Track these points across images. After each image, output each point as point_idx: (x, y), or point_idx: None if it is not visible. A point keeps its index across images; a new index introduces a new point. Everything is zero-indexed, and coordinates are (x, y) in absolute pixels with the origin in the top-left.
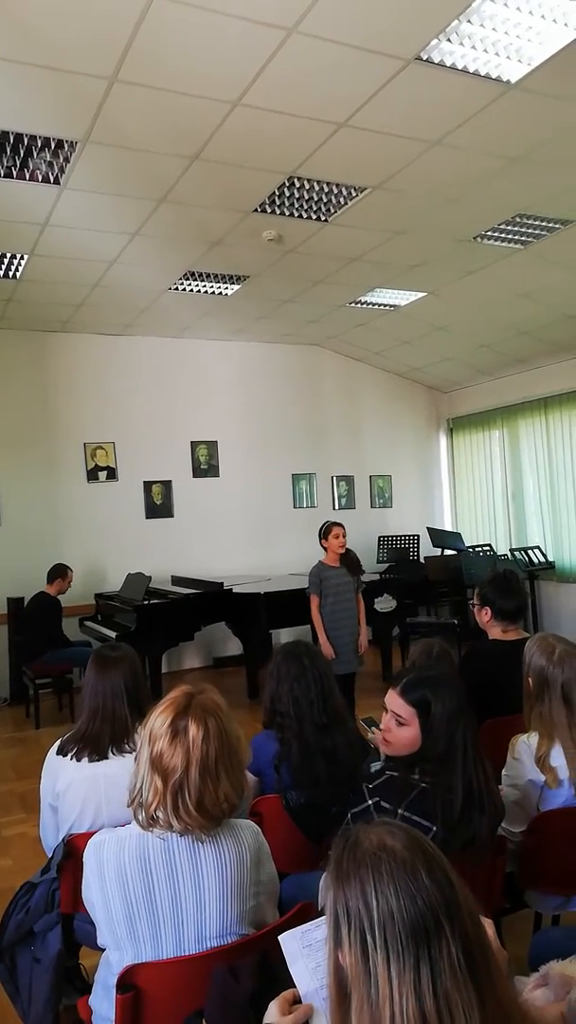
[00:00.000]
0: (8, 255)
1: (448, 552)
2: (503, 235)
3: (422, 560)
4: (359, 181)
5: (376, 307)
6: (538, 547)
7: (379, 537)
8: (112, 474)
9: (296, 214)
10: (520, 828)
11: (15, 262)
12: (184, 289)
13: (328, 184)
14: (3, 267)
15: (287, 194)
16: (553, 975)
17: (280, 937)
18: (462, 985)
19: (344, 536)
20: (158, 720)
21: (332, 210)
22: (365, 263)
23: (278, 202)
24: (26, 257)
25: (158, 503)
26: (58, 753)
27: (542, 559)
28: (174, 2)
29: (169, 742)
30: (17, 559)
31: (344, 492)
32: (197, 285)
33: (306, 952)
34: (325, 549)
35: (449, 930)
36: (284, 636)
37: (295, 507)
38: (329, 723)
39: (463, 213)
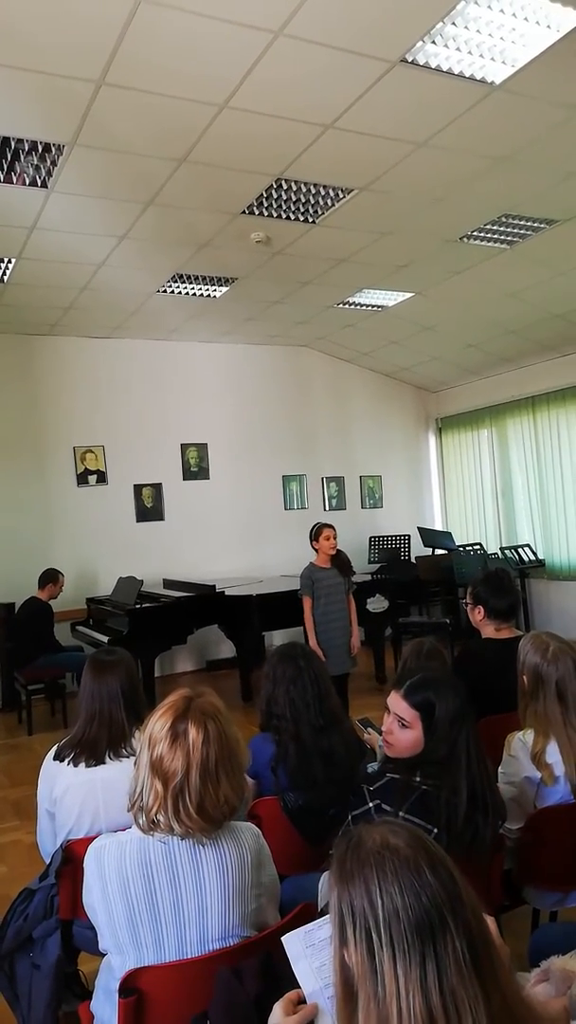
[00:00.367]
0: None
1: (439, 552)
2: (489, 235)
3: (413, 560)
4: (346, 183)
5: (364, 308)
6: (528, 545)
7: (370, 537)
8: (102, 478)
9: (284, 216)
10: (517, 825)
11: (2, 266)
12: (173, 291)
13: (315, 186)
14: None
15: (275, 196)
16: (554, 970)
17: (283, 938)
18: (467, 981)
19: (335, 537)
20: (158, 724)
21: (319, 212)
22: (353, 264)
23: (266, 204)
24: (13, 261)
25: (149, 506)
26: (55, 758)
27: (532, 557)
28: (161, 5)
29: (169, 746)
30: (7, 564)
31: (335, 493)
32: (185, 287)
33: (309, 952)
34: (316, 551)
35: (453, 926)
36: (277, 638)
37: (286, 509)
38: (326, 724)
39: (449, 214)
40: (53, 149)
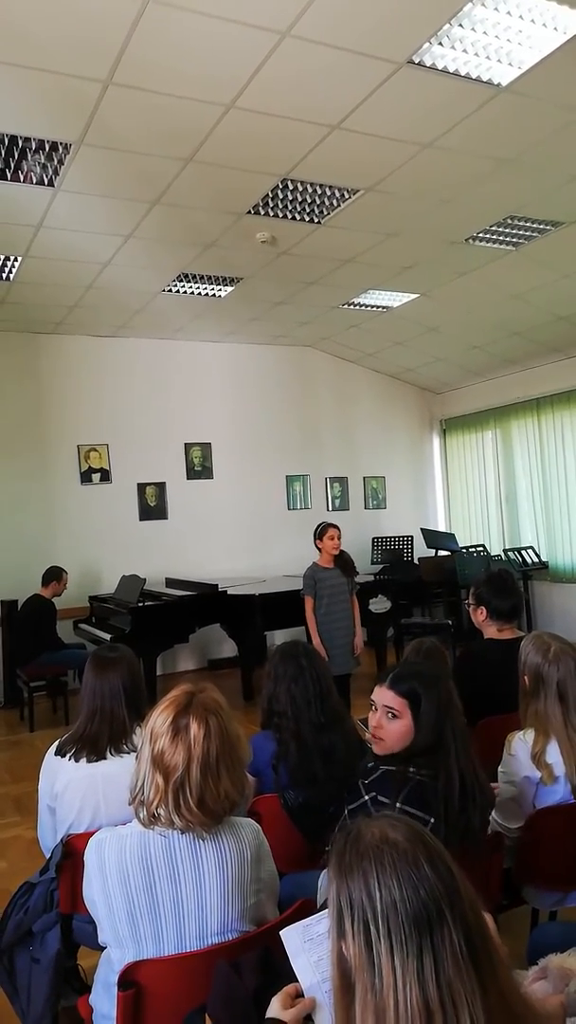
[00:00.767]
0: (2, 257)
1: (442, 553)
2: (494, 237)
3: (416, 561)
4: (352, 183)
5: (369, 308)
6: (531, 547)
7: (373, 538)
8: (106, 476)
9: (289, 216)
10: (516, 825)
11: (9, 264)
12: (178, 291)
13: (321, 186)
14: None
15: (280, 196)
16: (552, 968)
17: (282, 932)
18: (464, 974)
19: (339, 537)
20: (159, 718)
21: (325, 212)
22: (358, 265)
23: (271, 204)
24: (20, 259)
25: (152, 505)
26: (56, 754)
27: (535, 559)
28: (169, 5)
29: (170, 740)
30: (11, 561)
31: (338, 493)
32: (190, 287)
33: (308, 947)
34: (320, 550)
35: (451, 919)
36: (278, 638)
37: (289, 509)
38: (327, 723)
39: (455, 215)
40: (60, 148)
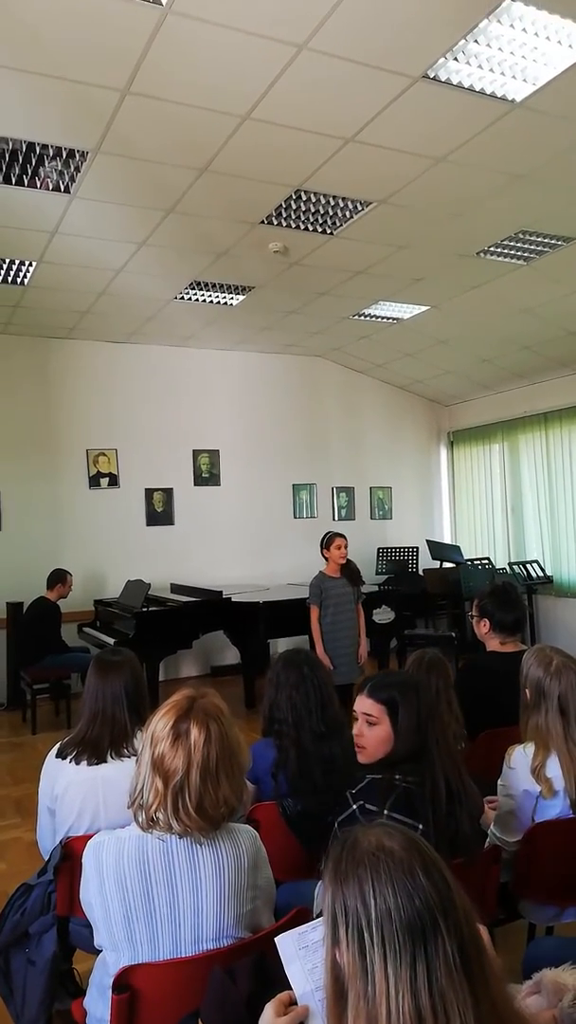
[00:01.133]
0: (17, 262)
1: (447, 565)
2: (506, 251)
3: (421, 572)
4: (365, 195)
5: (379, 320)
6: (536, 561)
7: (378, 549)
8: (114, 481)
9: (302, 227)
10: (515, 839)
11: (23, 269)
12: (190, 299)
13: (334, 198)
14: (11, 273)
15: (294, 207)
16: (546, 982)
17: (277, 939)
18: (457, 984)
19: (346, 547)
20: (160, 722)
21: (338, 223)
22: (369, 276)
23: (284, 214)
24: (34, 264)
25: (159, 511)
26: (57, 756)
27: (540, 573)
28: (187, 17)
29: (171, 744)
30: (18, 564)
31: (344, 503)
32: (202, 295)
33: (302, 954)
34: (326, 559)
35: (445, 928)
36: (282, 646)
37: (295, 517)
38: (327, 732)
39: (467, 229)
40: (77, 155)
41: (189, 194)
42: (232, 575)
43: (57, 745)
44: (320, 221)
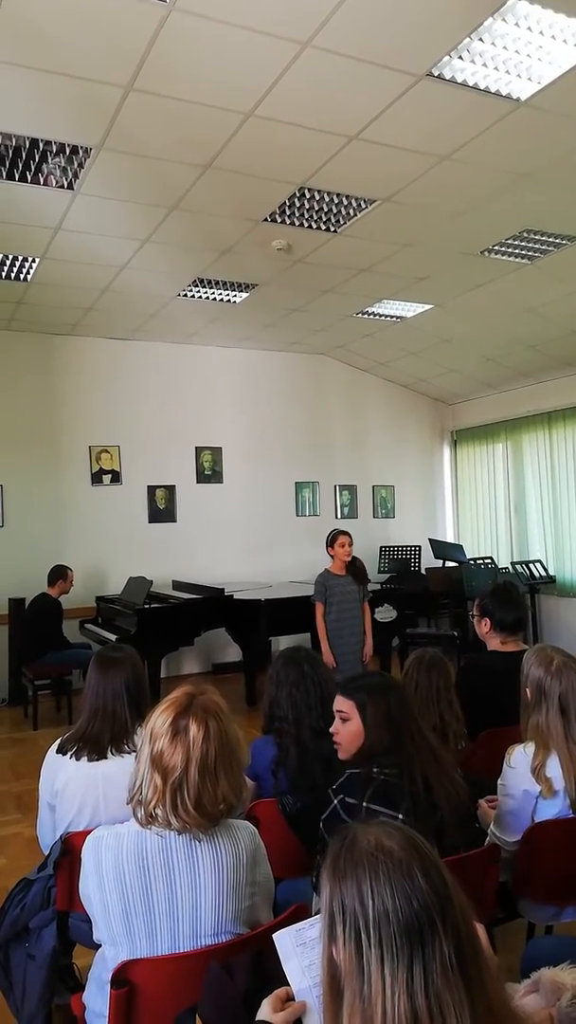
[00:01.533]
0: (20, 258)
1: (449, 564)
2: (510, 250)
3: (423, 571)
4: (369, 193)
5: (383, 318)
6: (539, 561)
7: (381, 547)
8: (116, 478)
9: (306, 224)
10: (514, 838)
11: (27, 265)
12: (193, 296)
13: (338, 195)
14: (15, 270)
15: (297, 204)
16: (544, 981)
17: (274, 935)
18: (453, 985)
19: (351, 545)
20: (159, 719)
21: (341, 221)
22: (373, 274)
23: (288, 212)
24: (38, 260)
25: (161, 508)
26: (58, 752)
27: (543, 573)
28: (191, 14)
29: (170, 741)
30: (20, 560)
31: (347, 501)
32: (206, 292)
33: (299, 950)
34: (332, 557)
35: (442, 930)
36: (283, 643)
37: (297, 515)
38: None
39: (471, 227)
40: (80, 152)
41: (193, 191)
42: (234, 572)
43: (58, 741)
44: (324, 219)
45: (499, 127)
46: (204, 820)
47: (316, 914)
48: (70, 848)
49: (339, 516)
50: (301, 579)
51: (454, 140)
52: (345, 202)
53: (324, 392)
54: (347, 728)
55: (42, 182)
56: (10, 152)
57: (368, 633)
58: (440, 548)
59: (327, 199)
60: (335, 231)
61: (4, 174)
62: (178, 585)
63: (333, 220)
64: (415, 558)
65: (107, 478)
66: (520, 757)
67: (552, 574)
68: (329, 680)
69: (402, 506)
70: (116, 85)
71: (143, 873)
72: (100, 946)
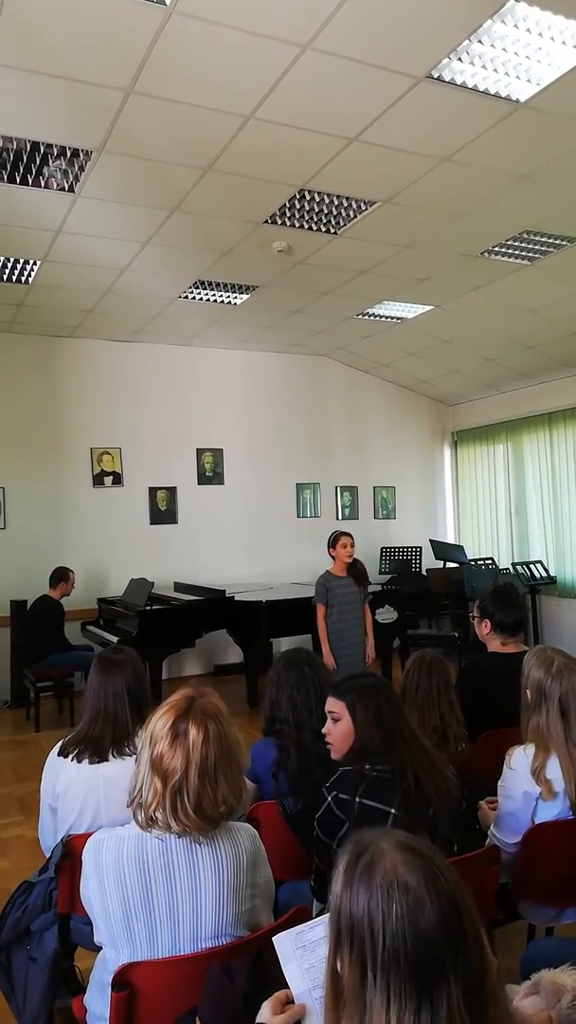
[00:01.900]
0: (21, 260)
1: (450, 565)
2: (510, 251)
3: (424, 572)
4: (369, 195)
5: (383, 319)
6: (540, 562)
7: (381, 548)
8: (118, 479)
9: (306, 226)
10: (514, 839)
11: (28, 268)
12: (194, 297)
13: (338, 197)
14: (16, 272)
15: (298, 206)
16: (544, 983)
17: (274, 938)
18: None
19: (352, 546)
20: (159, 722)
21: (342, 223)
22: (373, 276)
23: (288, 214)
24: (39, 263)
25: (163, 509)
26: (59, 754)
27: (544, 574)
28: (191, 17)
29: (169, 744)
30: (21, 562)
31: (348, 503)
32: (206, 294)
33: (300, 953)
34: (333, 558)
35: (453, 974)
36: (285, 645)
37: (299, 516)
38: None
39: (471, 228)
40: (81, 155)
41: (193, 193)
42: (235, 574)
43: (59, 743)
44: (324, 220)
45: (499, 128)
46: (204, 823)
47: (317, 916)
48: (71, 851)
49: (340, 517)
50: (302, 580)
51: (454, 142)
52: (345, 204)
53: (325, 393)
54: (338, 728)
55: (43, 185)
56: (11, 155)
57: (369, 635)
58: (441, 549)
59: (327, 201)
60: (335, 233)
61: (5, 177)
62: (179, 587)
63: (333, 222)
64: (416, 559)
65: (108, 480)
66: (520, 759)
67: (553, 575)
68: (329, 682)
69: (403, 507)
70: (116, 88)
71: (143, 876)
72: (101, 949)
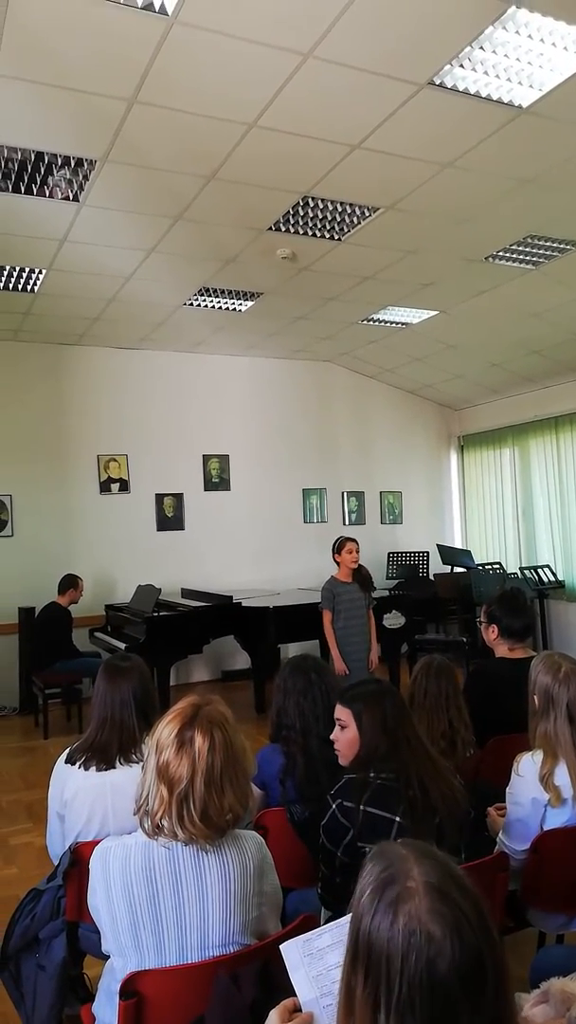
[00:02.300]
0: (27, 269)
1: (458, 569)
2: (514, 256)
3: (431, 577)
4: (372, 201)
5: (388, 325)
6: (548, 566)
7: (389, 553)
8: (124, 486)
9: (310, 233)
10: (523, 846)
11: (33, 276)
12: (199, 305)
13: (342, 204)
14: (22, 281)
15: (301, 213)
16: (554, 991)
17: (282, 946)
18: None
19: (357, 552)
20: (165, 730)
21: (345, 229)
22: (377, 281)
23: (292, 221)
24: (44, 272)
25: (169, 516)
26: (66, 762)
27: (552, 578)
28: (193, 27)
29: (175, 752)
30: (29, 569)
31: (354, 508)
32: (211, 301)
33: (307, 961)
34: (338, 564)
35: (470, 1021)
36: (292, 650)
37: (305, 522)
38: None
39: (474, 234)
40: (85, 164)
41: (197, 201)
42: (242, 580)
43: (66, 751)
44: (328, 227)
45: (501, 134)
46: (210, 831)
47: (325, 924)
48: (79, 858)
49: (347, 522)
50: (309, 586)
51: (456, 147)
52: (349, 210)
53: (330, 399)
54: (345, 735)
55: (48, 194)
56: (16, 165)
57: (374, 640)
58: (448, 554)
59: (331, 208)
60: (339, 239)
61: (10, 187)
62: (187, 593)
63: (337, 228)
64: (423, 564)
65: (115, 487)
66: (528, 765)
67: (561, 579)
68: (336, 688)
69: (410, 512)
70: (120, 98)
71: (150, 884)
72: (109, 957)
